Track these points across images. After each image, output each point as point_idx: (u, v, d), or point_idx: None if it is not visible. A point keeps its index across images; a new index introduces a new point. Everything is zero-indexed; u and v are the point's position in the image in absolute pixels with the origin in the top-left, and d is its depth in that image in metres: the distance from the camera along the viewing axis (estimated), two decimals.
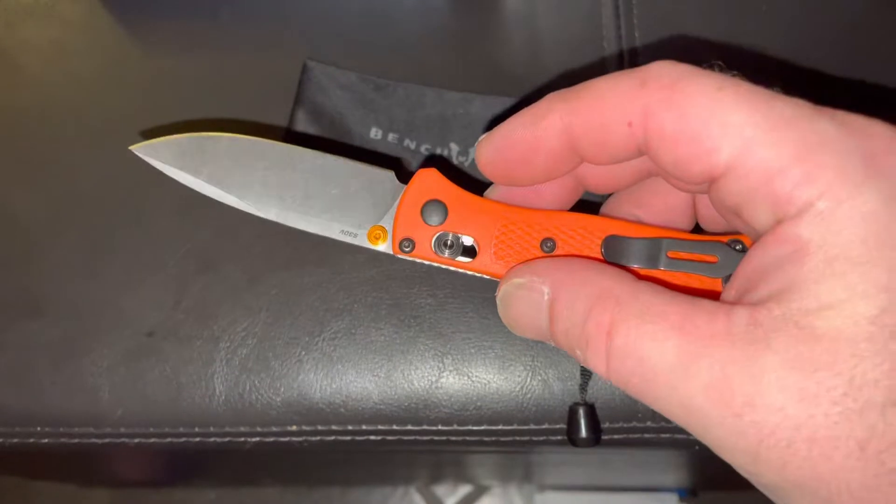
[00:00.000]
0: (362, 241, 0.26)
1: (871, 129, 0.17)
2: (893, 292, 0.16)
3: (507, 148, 0.23)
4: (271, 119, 0.38)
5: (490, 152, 0.23)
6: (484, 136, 0.23)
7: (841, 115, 0.18)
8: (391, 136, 0.37)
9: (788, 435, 0.16)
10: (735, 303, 0.18)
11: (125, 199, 0.37)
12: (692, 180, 0.20)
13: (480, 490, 0.93)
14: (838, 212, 0.16)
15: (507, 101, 0.38)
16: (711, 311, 0.18)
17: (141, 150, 0.27)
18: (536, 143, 0.22)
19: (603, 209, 0.27)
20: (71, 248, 0.36)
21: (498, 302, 0.23)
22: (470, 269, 0.25)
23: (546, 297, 0.21)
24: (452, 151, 0.37)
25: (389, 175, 0.26)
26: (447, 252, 0.25)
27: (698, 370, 0.17)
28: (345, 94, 0.38)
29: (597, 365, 0.20)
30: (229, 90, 0.40)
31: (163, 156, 0.26)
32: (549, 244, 0.24)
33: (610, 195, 0.27)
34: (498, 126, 0.23)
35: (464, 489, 0.94)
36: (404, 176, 0.26)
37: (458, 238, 0.25)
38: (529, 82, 0.38)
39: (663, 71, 0.19)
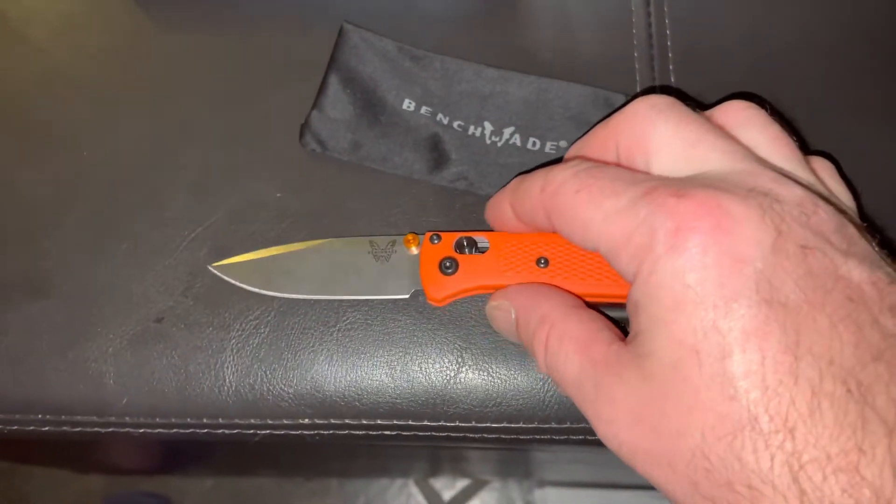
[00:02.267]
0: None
1: (678, 208, 0.21)
2: (684, 346, 0.20)
3: (492, 220, 0.30)
4: (286, 99, 0.37)
5: (487, 219, 0.30)
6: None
7: (661, 194, 0.22)
8: (424, 109, 0.36)
9: (632, 447, 0.22)
10: (620, 339, 0.24)
11: (135, 178, 0.36)
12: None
13: (479, 484, 0.92)
14: (649, 282, 0.21)
15: (546, 82, 0.36)
16: (606, 340, 0.24)
17: (219, 270, 0.33)
18: (504, 221, 0.29)
19: None
20: (77, 227, 0.35)
21: (487, 316, 0.30)
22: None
23: (513, 317, 0.28)
24: (486, 130, 0.36)
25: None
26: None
27: (587, 386, 0.23)
28: (380, 62, 0.37)
29: (540, 368, 0.26)
30: (244, 66, 0.39)
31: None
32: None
33: None
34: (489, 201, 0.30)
35: (462, 483, 0.93)
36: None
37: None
38: (558, 67, 0.37)
39: (554, 178, 0.25)
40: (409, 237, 0.31)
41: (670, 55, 0.38)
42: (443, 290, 0.30)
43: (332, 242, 0.33)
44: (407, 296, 0.32)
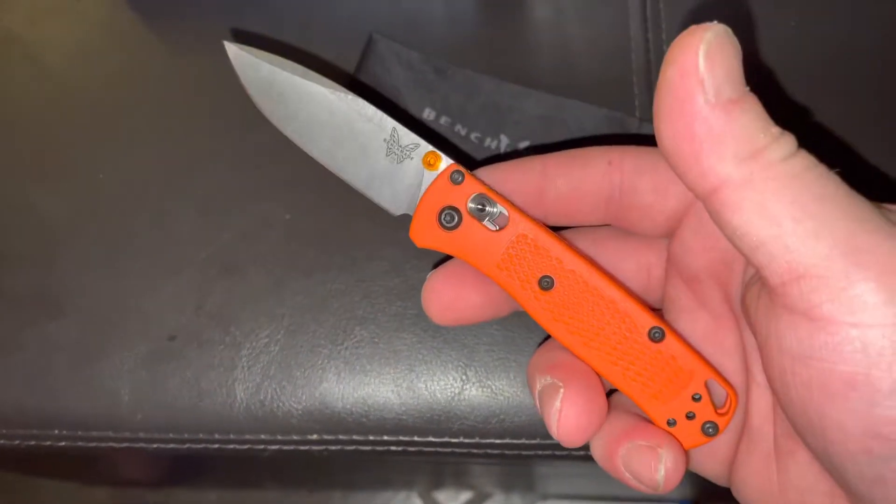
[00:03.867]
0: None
1: None
2: None
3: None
4: None
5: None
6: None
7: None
8: (443, 119, 0.38)
9: None
10: None
11: (148, 199, 0.37)
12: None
13: (482, 496, 0.93)
14: None
15: (562, 101, 0.38)
16: None
17: (233, 50, 0.28)
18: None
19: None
20: (93, 248, 0.36)
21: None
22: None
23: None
24: (502, 143, 0.37)
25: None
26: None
27: None
28: (405, 72, 0.38)
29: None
30: None
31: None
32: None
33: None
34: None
35: (465, 495, 0.93)
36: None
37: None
38: (558, 89, 0.38)
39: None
40: (431, 157, 0.26)
41: None
42: (429, 238, 0.26)
43: (357, 101, 0.27)
44: (395, 214, 0.27)
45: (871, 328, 0.18)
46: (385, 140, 0.26)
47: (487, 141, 0.37)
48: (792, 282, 0.19)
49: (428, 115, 0.38)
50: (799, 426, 0.21)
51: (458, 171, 0.25)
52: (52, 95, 0.40)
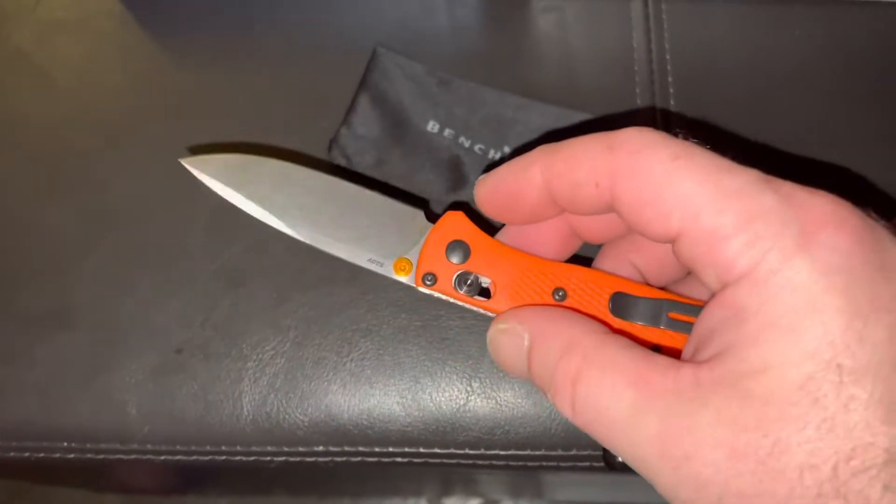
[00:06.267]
0: (388, 270, 0.27)
1: (811, 202, 0.18)
2: (820, 359, 0.17)
3: (498, 191, 0.24)
4: (300, 135, 0.38)
5: (485, 192, 0.25)
6: (482, 176, 0.25)
7: (787, 186, 0.19)
8: (447, 132, 0.38)
9: (719, 490, 0.18)
10: (686, 360, 0.20)
11: (156, 214, 0.37)
12: (654, 239, 0.21)
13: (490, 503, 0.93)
14: (772, 280, 0.18)
15: (567, 113, 0.38)
16: (665, 367, 0.19)
17: (190, 163, 0.28)
18: (520, 190, 0.24)
19: (600, 255, 0.27)
20: (101, 262, 0.36)
21: (487, 342, 0.24)
22: (484, 308, 0.25)
23: (525, 344, 0.23)
24: (506, 155, 0.37)
25: (419, 213, 0.27)
26: (465, 289, 0.26)
27: (647, 423, 0.19)
28: (409, 85, 0.39)
29: (563, 410, 0.21)
30: (262, 106, 0.40)
31: (210, 170, 0.28)
32: (560, 293, 0.25)
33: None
34: (494, 169, 0.25)
35: (474, 502, 0.93)
36: (432, 216, 0.27)
37: (478, 278, 0.26)
38: (562, 96, 0.38)
39: (630, 137, 0.21)
40: (403, 263, 0.27)
41: (671, 85, 0.39)
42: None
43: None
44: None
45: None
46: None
47: (491, 153, 0.37)
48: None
49: (432, 127, 0.38)
50: None
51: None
52: (61, 112, 0.41)
